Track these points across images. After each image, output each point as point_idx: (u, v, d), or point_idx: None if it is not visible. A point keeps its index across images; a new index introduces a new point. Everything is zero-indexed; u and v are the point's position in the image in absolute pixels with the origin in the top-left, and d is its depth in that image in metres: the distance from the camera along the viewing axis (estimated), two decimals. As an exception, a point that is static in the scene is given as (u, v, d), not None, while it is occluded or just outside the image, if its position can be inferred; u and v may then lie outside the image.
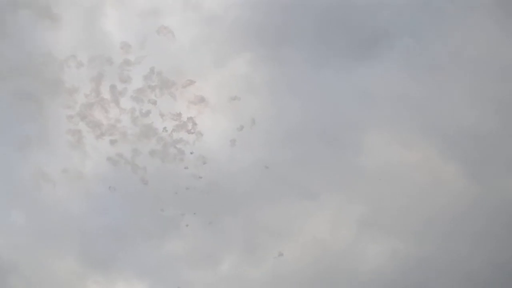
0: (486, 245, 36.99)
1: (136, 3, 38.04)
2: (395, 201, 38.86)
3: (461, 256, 37.50)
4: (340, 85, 39.37)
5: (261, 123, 37.57)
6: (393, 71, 39.37)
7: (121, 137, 35.47)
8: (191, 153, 35.68)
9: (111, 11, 37.62)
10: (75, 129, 35.30)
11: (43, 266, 37.89)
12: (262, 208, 38.82)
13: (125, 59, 35.14)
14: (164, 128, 35.44)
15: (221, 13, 39.37)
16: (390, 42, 39.75)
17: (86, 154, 36.03)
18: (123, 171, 35.53)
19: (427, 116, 39.29)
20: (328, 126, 39.27)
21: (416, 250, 38.12)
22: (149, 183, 35.58)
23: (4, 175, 38.19)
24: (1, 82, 34.98)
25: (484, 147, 39.11)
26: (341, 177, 39.01)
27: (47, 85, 35.03)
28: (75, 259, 38.33)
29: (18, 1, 35.28)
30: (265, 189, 38.45)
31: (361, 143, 39.62)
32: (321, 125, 39.27)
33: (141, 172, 35.45)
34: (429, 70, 39.59)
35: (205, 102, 36.24)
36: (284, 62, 39.04)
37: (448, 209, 38.18)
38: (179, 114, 35.76)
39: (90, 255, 38.17)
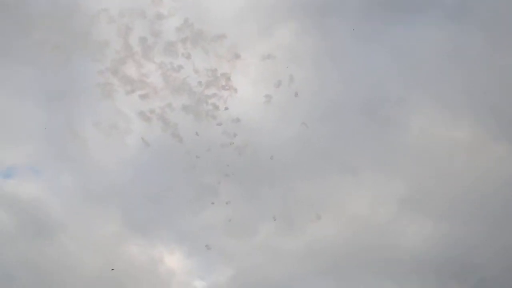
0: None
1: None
2: (439, 180, 37.55)
3: (506, 239, 35.89)
4: (385, 59, 38.05)
5: (303, 95, 36.71)
6: (440, 46, 37.46)
7: (152, 92, 33.99)
8: (226, 108, 34.15)
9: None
10: (106, 83, 33.72)
11: (90, 227, 39.51)
12: (301, 180, 38.32)
13: (158, 12, 33.25)
14: (199, 82, 33.87)
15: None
16: (439, 14, 37.82)
17: (117, 109, 34.67)
18: (156, 128, 34.17)
19: (476, 93, 37.33)
20: (371, 101, 38.15)
21: (458, 231, 36.93)
22: (183, 141, 34.15)
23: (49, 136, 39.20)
24: (28, 32, 33.70)
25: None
26: (383, 154, 38.04)
27: (76, 38, 33.40)
28: (118, 222, 39.85)
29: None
30: (305, 161, 37.93)
31: (405, 119, 38.32)
32: (364, 99, 38.20)
33: (172, 128, 33.97)
34: (479, 42, 37.31)
35: (240, 59, 34.24)
36: (329, 33, 37.95)
37: (495, 191, 36.44)
38: (215, 69, 33.98)
39: (132, 219, 39.48)
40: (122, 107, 34.49)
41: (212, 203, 35.29)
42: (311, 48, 38.01)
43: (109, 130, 35.22)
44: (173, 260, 40.43)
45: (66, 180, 40.32)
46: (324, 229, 38.06)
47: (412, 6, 38.39)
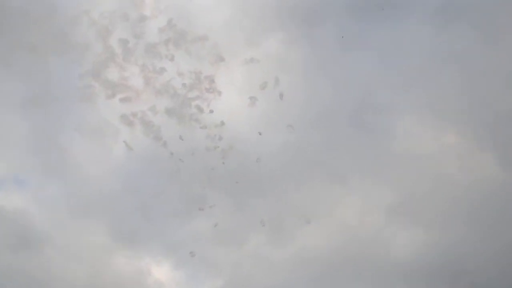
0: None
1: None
2: (426, 188, 37.72)
3: (494, 246, 36.04)
4: (372, 67, 38.27)
5: (291, 102, 36.64)
6: (427, 54, 37.79)
7: (134, 95, 33.27)
8: (211, 111, 33.35)
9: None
10: (87, 87, 32.88)
11: (76, 239, 39.07)
12: (289, 188, 38.13)
13: (140, 14, 32.71)
14: (184, 84, 33.12)
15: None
16: (426, 20, 38.17)
17: (101, 116, 34.09)
18: (139, 132, 33.37)
19: (462, 101, 37.66)
20: (359, 108, 38.32)
21: (447, 239, 36.99)
22: (166, 144, 33.40)
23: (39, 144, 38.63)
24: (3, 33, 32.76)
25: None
26: (371, 162, 38.16)
27: (54, 39, 32.67)
28: (104, 233, 39.42)
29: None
30: (293, 169, 37.86)
31: (392, 127, 38.55)
32: (351, 107, 38.39)
33: (155, 132, 33.35)
34: (464, 54, 37.75)
35: (224, 62, 33.64)
36: (316, 42, 38.10)
37: (482, 199, 36.67)
38: (199, 72, 33.27)
39: (119, 230, 39.10)
40: (105, 112, 34.02)
41: (201, 209, 34.80)
42: (298, 56, 38.23)
43: (94, 137, 35.08)
44: (161, 271, 40.10)
45: (51, 190, 39.97)
46: (314, 238, 38.08)
47: (399, 13, 38.72)
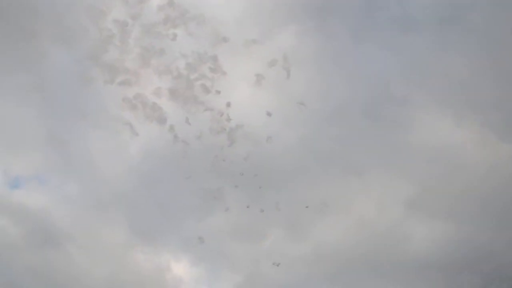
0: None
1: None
2: (445, 182, 37.04)
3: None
4: (387, 59, 37.87)
5: (307, 98, 36.25)
6: (443, 43, 37.10)
7: (135, 78, 31.83)
8: (218, 92, 31.70)
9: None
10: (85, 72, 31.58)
11: (96, 236, 39.53)
12: (306, 183, 37.88)
13: None
14: (188, 64, 31.54)
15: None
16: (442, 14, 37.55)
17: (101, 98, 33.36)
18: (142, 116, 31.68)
19: (481, 90, 36.90)
20: (375, 102, 37.93)
21: (467, 231, 36.33)
22: (174, 129, 31.83)
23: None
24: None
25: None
26: (388, 155, 37.69)
27: (51, 25, 31.71)
28: (124, 230, 39.80)
29: None
30: (310, 164, 37.61)
31: (409, 120, 38.02)
32: (368, 100, 37.98)
33: (160, 115, 31.83)
34: (484, 41, 36.97)
35: (228, 43, 31.89)
36: (330, 35, 37.80)
37: (502, 191, 35.85)
38: (203, 52, 31.66)
39: (138, 227, 39.42)
40: (106, 97, 33.23)
41: (227, 210, 34.42)
42: (313, 50, 37.93)
43: (100, 126, 34.64)
44: (180, 267, 40.34)
45: (71, 189, 40.58)
46: (331, 233, 37.83)
47: (414, 5, 38.20)
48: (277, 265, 33.95)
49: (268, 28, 36.43)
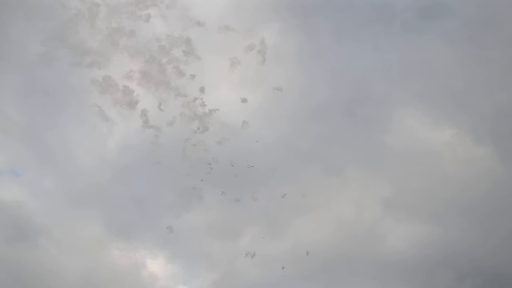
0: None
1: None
2: (422, 182, 37.40)
3: (492, 240, 35.63)
4: (368, 58, 37.99)
5: (287, 96, 36.03)
6: (425, 46, 37.39)
7: (105, 60, 30.47)
8: (193, 76, 30.57)
9: None
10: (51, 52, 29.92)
11: (71, 231, 39.02)
12: (285, 182, 37.67)
13: None
14: (161, 46, 30.27)
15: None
16: (427, 14, 37.72)
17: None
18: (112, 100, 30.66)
19: (459, 93, 37.29)
20: (355, 101, 38.01)
21: (443, 232, 36.63)
22: (146, 116, 30.67)
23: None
24: None
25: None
26: (367, 155, 37.87)
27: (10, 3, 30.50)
28: (100, 225, 39.35)
29: None
30: (289, 162, 37.47)
31: (388, 120, 38.26)
32: (348, 99, 38.05)
33: (130, 99, 30.55)
34: (465, 44, 37.34)
35: (203, 28, 30.85)
36: (313, 33, 37.74)
37: (477, 193, 36.30)
38: (177, 36, 30.52)
39: (114, 222, 39.05)
40: (75, 79, 31.66)
41: (200, 197, 33.56)
42: (295, 48, 37.84)
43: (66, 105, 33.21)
44: (155, 264, 39.98)
45: (47, 182, 39.98)
46: (309, 231, 37.73)
47: (396, 4, 38.36)
48: (252, 256, 33.43)
49: (251, 25, 36.00)
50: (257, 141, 32.74)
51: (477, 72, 37.97)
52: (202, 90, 31.22)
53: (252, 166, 31.84)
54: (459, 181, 37.27)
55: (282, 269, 33.54)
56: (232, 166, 31.61)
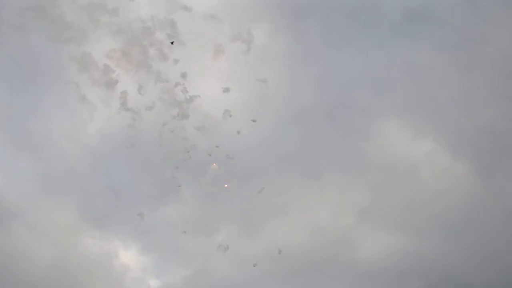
0: (485, 247, 35.49)
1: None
2: (399, 193, 37.80)
3: (459, 255, 36.22)
4: (354, 66, 38.19)
5: (271, 96, 35.93)
6: (410, 58, 37.76)
7: (83, 36, 28.93)
8: (176, 61, 29.77)
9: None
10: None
11: (45, 216, 38.60)
12: (264, 182, 37.55)
13: None
14: (145, 28, 29.01)
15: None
16: (413, 27, 38.11)
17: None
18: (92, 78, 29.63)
19: (441, 108, 37.74)
20: (338, 107, 38.23)
21: (416, 243, 36.98)
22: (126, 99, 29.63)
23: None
24: None
25: (498, 147, 37.36)
26: (346, 162, 38.17)
27: None
28: (74, 212, 38.97)
29: None
30: (268, 164, 37.50)
31: (369, 129, 38.56)
32: (331, 105, 38.22)
33: (109, 79, 29.53)
34: (448, 61, 37.74)
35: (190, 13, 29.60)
36: (301, 36, 37.79)
37: (452, 207, 36.77)
38: (165, 19, 29.44)
39: (89, 210, 38.66)
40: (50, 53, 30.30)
41: (179, 186, 32.67)
42: (283, 49, 37.81)
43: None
44: (128, 255, 39.72)
45: (22, 165, 39.34)
46: (284, 234, 37.83)
47: (386, 16, 38.66)
48: (225, 249, 33.35)
49: (239, 22, 35.63)
50: (238, 132, 31.67)
51: (461, 86, 38.44)
52: (183, 76, 30.42)
53: (232, 158, 31.42)
54: (435, 194, 37.73)
55: (254, 266, 33.22)
56: (210, 155, 31.15)
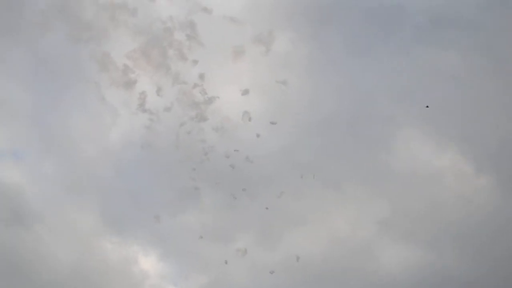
0: (507, 261, 34.43)
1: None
2: (420, 205, 37.09)
3: (479, 267, 35.24)
4: (378, 76, 37.94)
5: (293, 106, 35.83)
6: (435, 64, 37.19)
7: (104, 37, 29.36)
8: (195, 62, 29.78)
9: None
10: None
11: (67, 219, 39.00)
12: (283, 192, 37.27)
13: None
14: (166, 28, 29.27)
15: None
16: (438, 31, 37.49)
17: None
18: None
19: (466, 121, 37.12)
20: (360, 117, 37.90)
21: (436, 258, 36.19)
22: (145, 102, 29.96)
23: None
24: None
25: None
26: (367, 173, 37.66)
27: None
28: (96, 216, 39.34)
29: None
30: (289, 173, 37.14)
31: (391, 140, 38.14)
32: (353, 115, 37.93)
33: (128, 79, 29.61)
34: (475, 67, 36.98)
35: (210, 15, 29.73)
36: (325, 45, 37.70)
37: (472, 221, 35.93)
38: (182, 19, 29.53)
39: (110, 215, 38.97)
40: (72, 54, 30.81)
41: (196, 188, 32.38)
42: (306, 57, 37.75)
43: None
44: (147, 261, 39.82)
45: (47, 168, 40.04)
46: (302, 244, 37.47)
47: (410, 28, 38.36)
48: (243, 254, 32.91)
49: (261, 27, 35.56)
50: (258, 136, 31.50)
51: (489, 94, 37.55)
52: (202, 77, 30.56)
53: (252, 162, 31.26)
54: (457, 207, 36.95)
55: (271, 273, 32.79)
56: (228, 157, 30.94)
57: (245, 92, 31.21)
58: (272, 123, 31.66)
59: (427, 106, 32.58)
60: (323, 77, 38.29)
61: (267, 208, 33.15)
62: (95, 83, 30.85)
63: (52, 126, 39.33)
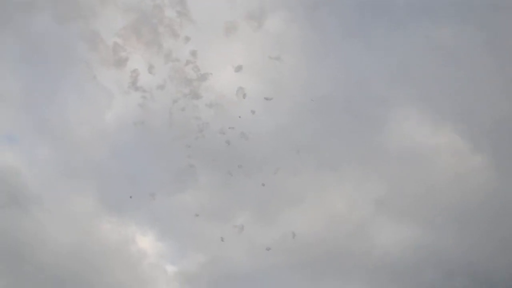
0: (502, 238, 34.92)
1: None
2: (417, 184, 37.33)
3: (475, 245, 35.77)
4: (372, 57, 37.82)
5: (288, 88, 35.84)
6: (429, 49, 37.13)
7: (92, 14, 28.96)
8: (187, 38, 29.22)
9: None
10: None
11: (64, 201, 39.15)
12: (280, 171, 37.33)
13: None
14: (156, 5, 28.77)
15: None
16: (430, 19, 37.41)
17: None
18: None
19: (460, 100, 37.07)
20: (355, 98, 37.85)
21: (433, 237, 36.63)
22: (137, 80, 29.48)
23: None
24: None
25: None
26: (363, 153, 37.74)
27: None
28: (93, 198, 39.44)
29: None
30: (285, 152, 37.21)
31: (386, 120, 38.20)
32: (349, 96, 37.89)
33: (118, 56, 29.05)
34: (473, 39, 36.70)
35: None
36: (319, 26, 37.47)
37: (469, 200, 36.26)
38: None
39: (107, 196, 39.07)
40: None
41: (192, 166, 32.09)
42: (300, 39, 37.52)
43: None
44: (145, 241, 40.14)
45: (43, 151, 40.03)
46: (299, 223, 37.72)
47: (403, 7, 38.04)
48: (240, 230, 33.09)
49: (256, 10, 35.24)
50: (253, 112, 31.10)
51: (488, 68, 37.21)
52: (194, 54, 30.12)
53: (247, 138, 31.12)
54: (454, 187, 37.23)
55: (267, 250, 33.07)
56: (224, 134, 30.79)
57: (238, 68, 30.85)
58: (267, 98, 31.23)
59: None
60: (316, 56, 38.12)
61: (263, 185, 32.61)
62: (86, 62, 30.55)
63: (45, 109, 39.19)
